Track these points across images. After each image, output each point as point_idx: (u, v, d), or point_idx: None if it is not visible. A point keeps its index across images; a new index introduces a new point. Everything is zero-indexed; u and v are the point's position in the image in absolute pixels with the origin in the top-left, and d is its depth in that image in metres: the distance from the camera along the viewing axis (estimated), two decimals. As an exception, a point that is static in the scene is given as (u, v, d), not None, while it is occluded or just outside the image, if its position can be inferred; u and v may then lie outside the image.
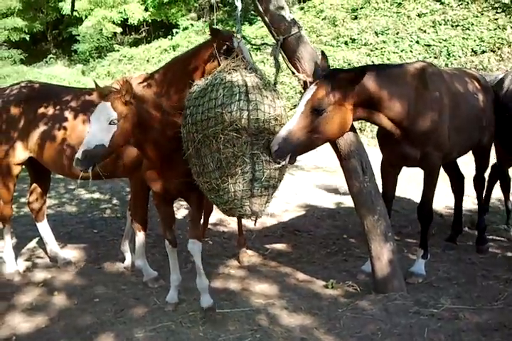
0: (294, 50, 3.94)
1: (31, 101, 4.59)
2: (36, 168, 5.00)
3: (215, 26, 4.36)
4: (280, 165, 3.47)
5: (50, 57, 27.33)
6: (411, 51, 13.77)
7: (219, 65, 3.85)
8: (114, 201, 7.66)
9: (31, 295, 4.38)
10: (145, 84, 4.50)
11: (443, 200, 6.49)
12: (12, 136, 4.57)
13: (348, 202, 7.21)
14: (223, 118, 3.33)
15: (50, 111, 4.55)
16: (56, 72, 23.29)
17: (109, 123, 3.39)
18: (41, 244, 5.47)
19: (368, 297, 3.97)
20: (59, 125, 4.50)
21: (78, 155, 3.30)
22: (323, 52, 3.94)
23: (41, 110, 4.56)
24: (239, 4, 4.11)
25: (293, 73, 4.02)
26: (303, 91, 3.90)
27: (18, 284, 4.64)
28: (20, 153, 4.64)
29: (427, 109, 3.99)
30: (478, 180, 5.31)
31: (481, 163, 5.25)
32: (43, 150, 4.54)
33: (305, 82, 3.92)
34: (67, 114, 4.52)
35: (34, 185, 5.17)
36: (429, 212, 4.40)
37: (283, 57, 4.00)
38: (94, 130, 3.39)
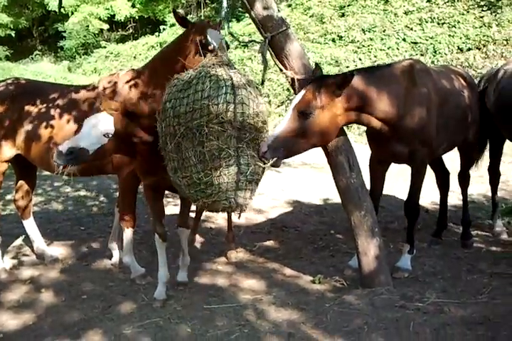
0: (281, 47, 3.95)
1: (18, 98, 4.58)
2: (22, 166, 4.98)
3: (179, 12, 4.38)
4: (266, 166, 3.49)
5: (36, 54, 27.06)
6: (398, 48, 13.84)
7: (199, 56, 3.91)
8: (101, 198, 7.63)
9: (18, 293, 4.37)
10: (132, 83, 4.52)
11: (429, 196, 6.55)
12: (0, 133, 4.55)
13: (335, 198, 7.24)
14: (209, 110, 3.33)
15: (38, 108, 4.54)
16: (42, 69, 23.05)
17: (103, 135, 3.48)
18: (27, 241, 5.44)
19: (355, 292, 4.00)
20: (46, 122, 4.48)
21: (62, 148, 3.34)
22: (317, 65, 3.96)
23: (28, 107, 4.54)
24: (225, 2, 4.12)
25: (280, 70, 4.04)
26: (291, 88, 3.93)
27: (4, 282, 4.62)
28: (8, 150, 4.63)
29: (416, 106, 4.02)
30: (463, 176, 5.37)
31: (466, 159, 5.30)
32: (31, 147, 4.53)
33: (292, 79, 3.95)
34: (55, 111, 4.51)
35: (20, 182, 5.15)
36: (416, 207, 4.45)
37: (271, 54, 4.01)
38: (86, 134, 3.46)
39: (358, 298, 3.85)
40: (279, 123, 3.68)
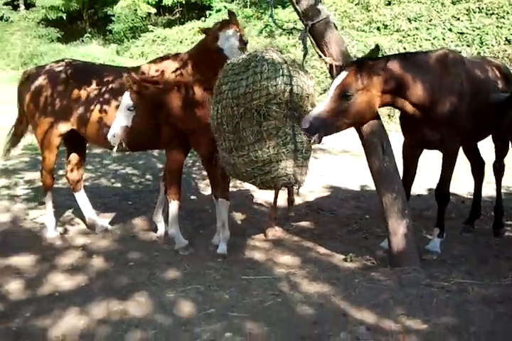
0: (321, 35, 4.17)
1: (75, 77, 4.92)
2: (73, 141, 5.34)
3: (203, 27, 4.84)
4: (312, 141, 3.74)
5: (86, 37, 27.72)
6: (443, 39, 13.70)
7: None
8: (147, 176, 8.00)
9: (71, 258, 4.74)
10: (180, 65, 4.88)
11: (465, 186, 6.64)
12: (57, 110, 4.91)
13: (372, 185, 7.40)
14: (268, 90, 3.61)
15: (93, 87, 4.88)
16: (91, 51, 23.64)
17: (128, 109, 4.24)
18: (77, 213, 5.85)
19: (384, 270, 4.23)
20: (100, 102, 4.84)
21: (109, 134, 4.29)
22: (377, 46, 4.14)
23: (84, 87, 4.89)
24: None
25: (320, 57, 4.25)
26: (329, 74, 4.15)
27: (59, 247, 5.01)
28: (63, 125, 4.98)
29: (448, 93, 4.18)
30: (497, 166, 5.46)
31: (499, 149, 5.39)
32: (86, 124, 4.88)
33: (331, 65, 4.17)
34: (107, 92, 4.86)
35: (71, 157, 5.52)
36: (446, 193, 4.61)
37: (311, 41, 4.23)
38: (119, 115, 4.26)
39: (386, 276, 4.08)
40: (320, 101, 3.90)
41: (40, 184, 5.65)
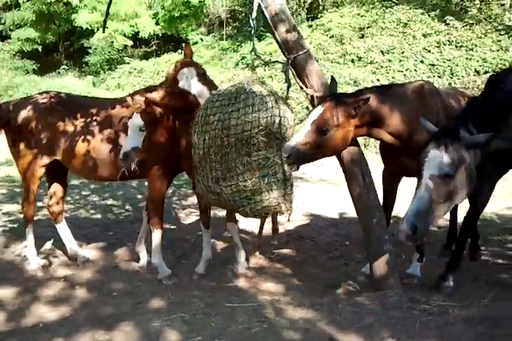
0: (302, 67, 4.34)
1: (60, 109, 5.00)
2: (55, 172, 5.37)
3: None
4: (293, 169, 3.88)
5: (62, 68, 27.84)
6: (415, 70, 14.19)
7: None
8: (127, 207, 8.02)
9: (54, 289, 4.72)
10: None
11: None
12: (42, 141, 4.96)
13: (351, 212, 7.54)
14: (259, 122, 3.76)
15: (78, 119, 4.96)
16: (67, 83, 23.70)
17: (140, 129, 4.27)
18: (59, 244, 5.82)
19: (367, 294, 4.30)
20: (86, 133, 4.91)
21: (120, 156, 4.29)
22: (332, 78, 4.31)
23: (70, 118, 4.96)
24: (253, 24, 4.54)
25: (301, 88, 4.41)
26: (310, 105, 4.30)
27: (40, 279, 4.98)
28: (47, 156, 5.02)
29: None
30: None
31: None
32: (71, 155, 4.93)
33: (312, 97, 4.32)
34: (94, 123, 4.94)
35: (53, 188, 5.53)
36: None
37: (293, 73, 4.39)
38: (130, 134, 4.32)
39: (369, 300, 4.15)
40: (296, 132, 4.00)
41: (19, 216, 5.63)
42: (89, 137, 4.88)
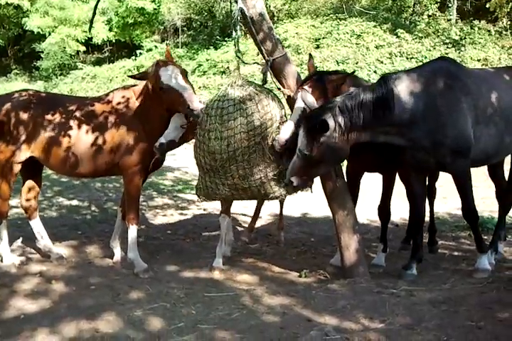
0: (280, 69, 4.62)
1: (39, 106, 5.07)
2: (31, 168, 5.40)
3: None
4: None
5: (13, 73, 27.24)
6: (369, 80, 14.75)
7: None
8: (93, 208, 8.05)
9: (31, 284, 4.72)
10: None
11: (397, 212, 7.17)
12: (19, 138, 5.01)
13: (313, 212, 7.90)
14: (276, 118, 4.39)
15: (57, 116, 5.05)
16: (16, 88, 23.16)
17: (181, 126, 4.71)
18: (30, 242, 5.82)
19: (338, 282, 4.60)
20: (65, 131, 5.01)
21: (156, 144, 4.68)
22: (310, 55, 4.89)
23: (48, 115, 5.04)
24: (237, 34, 4.81)
25: (278, 89, 4.69)
26: (286, 104, 4.61)
27: (16, 274, 4.97)
28: (24, 153, 5.08)
29: None
30: (429, 191, 5.96)
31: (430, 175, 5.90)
32: (50, 152, 5.01)
33: (289, 96, 4.59)
34: (72, 120, 5.04)
35: (28, 184, 5.52)
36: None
37: (271, 74, 4.66)
38: (171, 128, 4.72)
39: (340, 286, 4.45)
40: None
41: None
42: (68, 134, 4.97)
